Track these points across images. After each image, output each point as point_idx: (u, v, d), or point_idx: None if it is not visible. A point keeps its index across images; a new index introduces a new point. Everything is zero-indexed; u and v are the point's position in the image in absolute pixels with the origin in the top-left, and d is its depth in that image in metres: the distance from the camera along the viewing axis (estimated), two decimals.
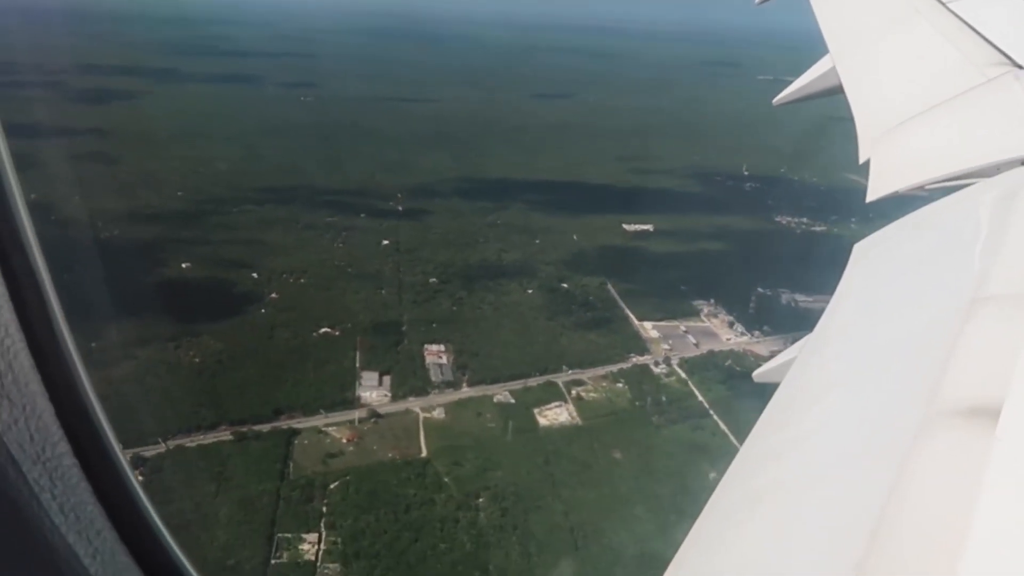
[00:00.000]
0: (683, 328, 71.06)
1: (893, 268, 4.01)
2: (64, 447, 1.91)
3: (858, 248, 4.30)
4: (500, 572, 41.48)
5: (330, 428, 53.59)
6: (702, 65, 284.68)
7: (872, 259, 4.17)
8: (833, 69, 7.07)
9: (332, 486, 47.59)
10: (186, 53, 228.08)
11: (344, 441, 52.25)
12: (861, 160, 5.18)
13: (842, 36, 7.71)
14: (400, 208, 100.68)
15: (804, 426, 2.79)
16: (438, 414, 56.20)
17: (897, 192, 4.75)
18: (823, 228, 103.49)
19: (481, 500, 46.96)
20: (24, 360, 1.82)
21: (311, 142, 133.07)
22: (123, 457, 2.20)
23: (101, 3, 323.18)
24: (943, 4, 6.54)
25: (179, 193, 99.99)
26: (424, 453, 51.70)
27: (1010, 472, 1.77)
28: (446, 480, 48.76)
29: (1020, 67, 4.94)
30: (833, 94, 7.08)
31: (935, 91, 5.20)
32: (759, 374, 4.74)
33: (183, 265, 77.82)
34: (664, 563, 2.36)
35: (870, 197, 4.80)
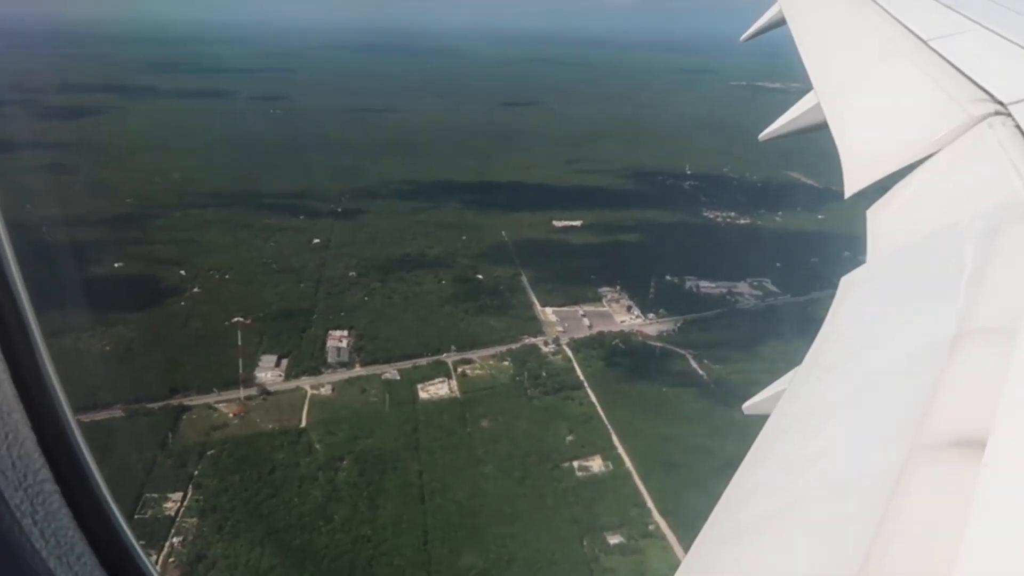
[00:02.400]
0: (581, 312, 74.73)
1: (880, 301, 4.08)
2: (45, 474, 1.96)
3: (845, 281, 4.32)
4: (344, 521, 45.12)
5: (220, 404, 57.38)
6: (678, 72, 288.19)
7: (859, 292, 4.23)
8: (818, 105, 7.17)
9: (209, 453, 51.40)
10: (167, 71, 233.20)
11: (231, 415, 56.07)
12: (847, 196, 5.36)
13: (826, 74, 7.90)
14: (339, 210, 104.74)
15: (792, 459, 2.85)
16: (326, 391, 59.98)
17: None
18: (747, 221, 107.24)
19: (344, 463, 50.70)
20: (7, 389, 1.88)
21: (269, 152, 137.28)
22: (103, 484, 2.26)
23: (92, 25, 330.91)
24: (924, 42, 6.64)
25: (128, 200, 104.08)
26: (303, 424, 55.47)
27: (996, 504, 1.80)
28: (317, 446, 52.56)
29: (1001, 103, 5.02)
30: (818, 130, 7.13)
31: (920, 130, 5.30)
32: (748, 406, 4.63)
33: (116, 264, 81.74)
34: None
35: (870, 261, 4.87)
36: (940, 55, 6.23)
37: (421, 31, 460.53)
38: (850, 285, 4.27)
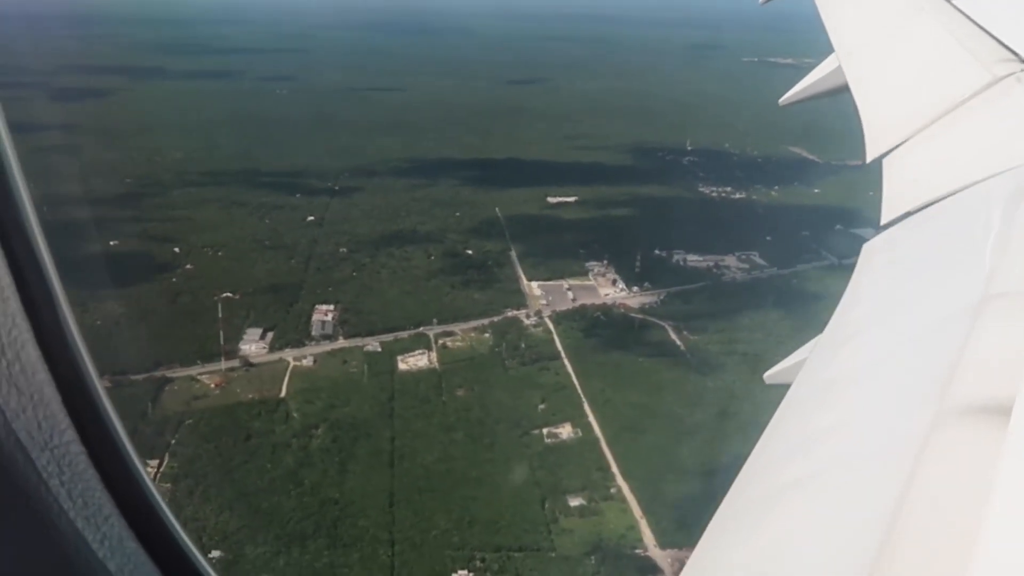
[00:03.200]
0: (566, 286, 75.38)
1: (903, 266, 4.01)
2: (71, 435, 1.94)
3: (867, 247, 4.26)
4: (313, 485, 46.39)
5: (203, 376, 58.75)
6: (690, 49, 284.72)
7: (882, 257, 4.17)
8: (839, 68, 7.04)
9: (187, 422, 52.77)
10: (176, 52, 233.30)
11: (212, 386, 57.43)
12: (868, 159, 5.26)
13: (848, 35, 7.73)
14: (336, 188, 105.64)
15: (816, 427, 2.81)
16: (307, 362, 61.19)
17: (909, 212, 4.68)
18: (742, 196, 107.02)
19: (319, 430, 51.95)
20: (31, 350, 1.85)
21: (271, 131, 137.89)
22: (130, 444, 2.22)
23: (102, 7, 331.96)
24: (948, 1, 6.50)
25: (127, 180, 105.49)
26: (283, 394, 56.73)
27: (1022, 469, 1.77)
28: (294, 415, 53.88)
29: None
30: (839, 93, 7.03)
31: (943, 91, 5.17)
32: (770, 375, 4.54)
33: (111, 242, 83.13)
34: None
35: (884, 220, 4.72)
36: (964, 13, 6.10)
37: (432, 8, 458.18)
38: (872, 251, 4.22)
